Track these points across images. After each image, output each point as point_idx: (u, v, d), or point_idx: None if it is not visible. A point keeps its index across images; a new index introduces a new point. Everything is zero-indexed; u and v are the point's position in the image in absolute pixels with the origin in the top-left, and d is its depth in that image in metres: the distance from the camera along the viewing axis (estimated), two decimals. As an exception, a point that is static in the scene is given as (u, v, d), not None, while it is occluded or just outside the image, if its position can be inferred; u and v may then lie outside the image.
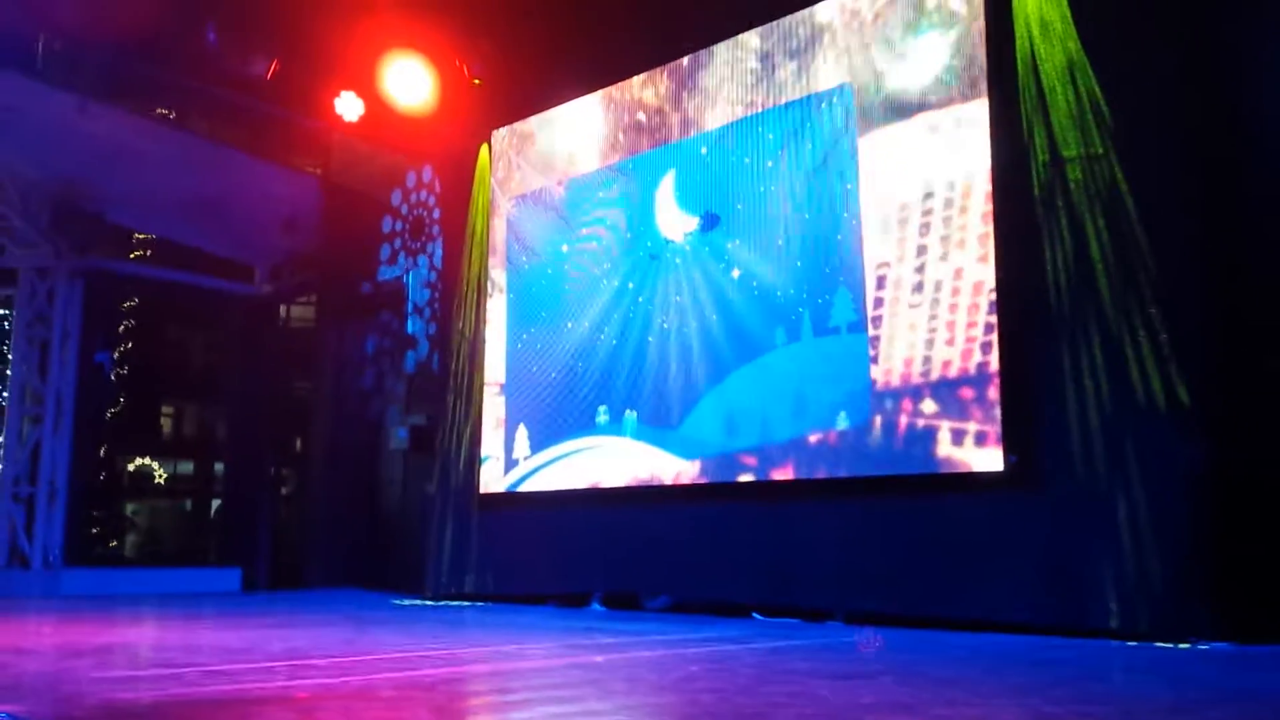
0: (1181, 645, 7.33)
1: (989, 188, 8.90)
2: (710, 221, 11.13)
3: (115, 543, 22.04)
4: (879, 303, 9.54)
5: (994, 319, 8.74)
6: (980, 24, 9.17)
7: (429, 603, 13.12)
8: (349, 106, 14.06)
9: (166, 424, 25.61)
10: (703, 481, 10.82)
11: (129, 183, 16.53)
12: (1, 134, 15.07)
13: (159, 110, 19.10)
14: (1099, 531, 7.94)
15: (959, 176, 9.10)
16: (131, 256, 21.09)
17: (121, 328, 21.79)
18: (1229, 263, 7.75)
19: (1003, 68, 8.90)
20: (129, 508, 24.02)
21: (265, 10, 13.72)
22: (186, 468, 25.43)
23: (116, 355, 21.42)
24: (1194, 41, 8.03)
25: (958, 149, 9.13)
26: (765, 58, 10.90)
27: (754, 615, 10.02)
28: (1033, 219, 8.54)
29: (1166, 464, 7.66)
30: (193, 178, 16.39)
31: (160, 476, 24.69)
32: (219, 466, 23.90)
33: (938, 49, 9.41)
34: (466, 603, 12.86)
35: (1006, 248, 8.75)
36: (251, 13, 13.88)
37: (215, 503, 24.26)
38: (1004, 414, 8.59)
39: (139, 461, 24.24)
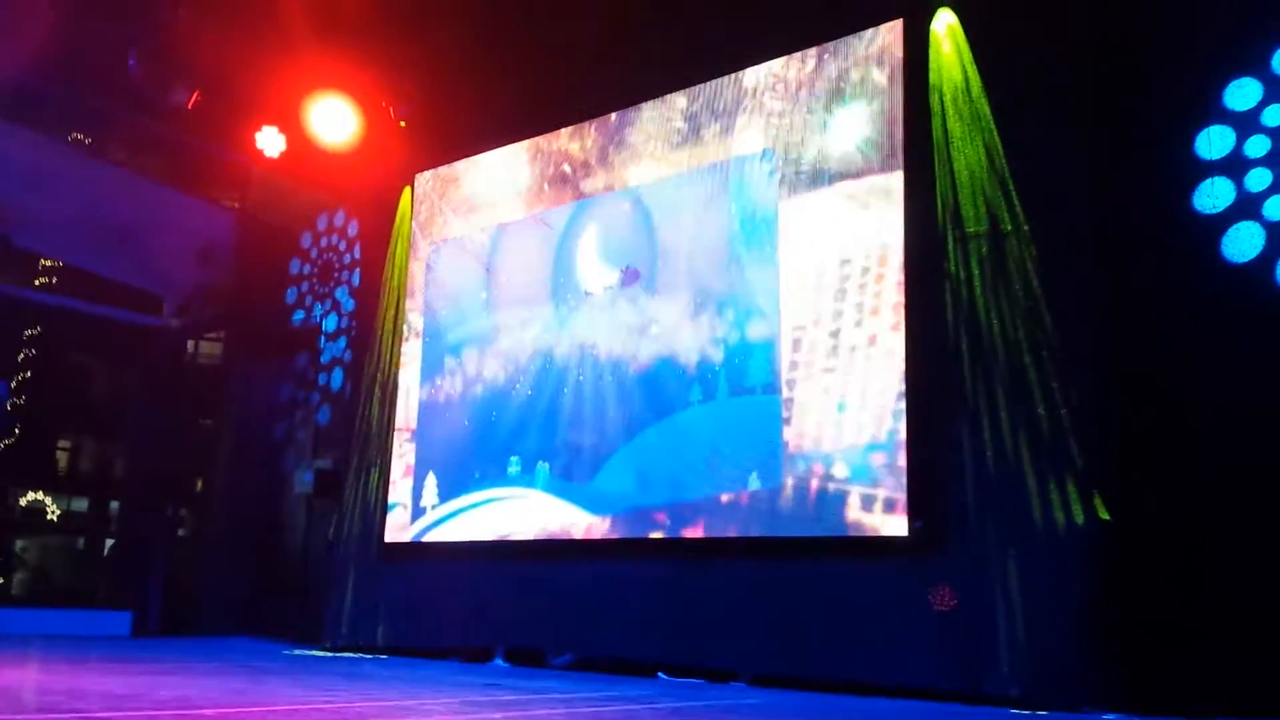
0: (1079, 715, 7.43)
1: (903, 258, 9.09)
2: (630, 277, 11.18)
3: (2, 580, 21.16)
4: (794, 365, 9.63)
5: (904, 387, 8.88)
6: (900, 98, 9.41)
7: (328, 654, 12.77)
8: (270, 142, 13.90)
9: (63, 458, 24.74)
10: (613, 537, 10.75)
11: (37, 207, 16.07)
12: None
13: (73, 135, 18.69)
14: (998, 599, 8.07)
15: (875, 245, 9.27)
16: (36, 283, 20.48)
17: (21, 356, 21.09)
18: (1126, 337, 8.00)
19: (917, 142, 9.16)
20: (19, 544, 23.10)
21: (188, 41, 13.53)
22: (81, 504, 24.56)
23: (14, 384, 20.70)
24: (1104, 122, 8.34)
25: (875, 219, 9.32)
26: (691, 118, 11.04)
27: (659, 675, 9.94)
28: (941, 291, 8.76)
29: (1066, 533, 7.83)
30: (105, 206, 16.01)
31: (53, 513, 23.81)
32: (115, 504, 23.15)
33: (859, 120, 9.63)
34: (366, 655, 12.55)
35: (916, 318, 8.94)
36: (175, 42, 13.68)
37: (109, 542, 23.46)
38: (909, 480, 8.70)
39: (31, 496, 23.37)
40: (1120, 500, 7.69)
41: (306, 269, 16.09)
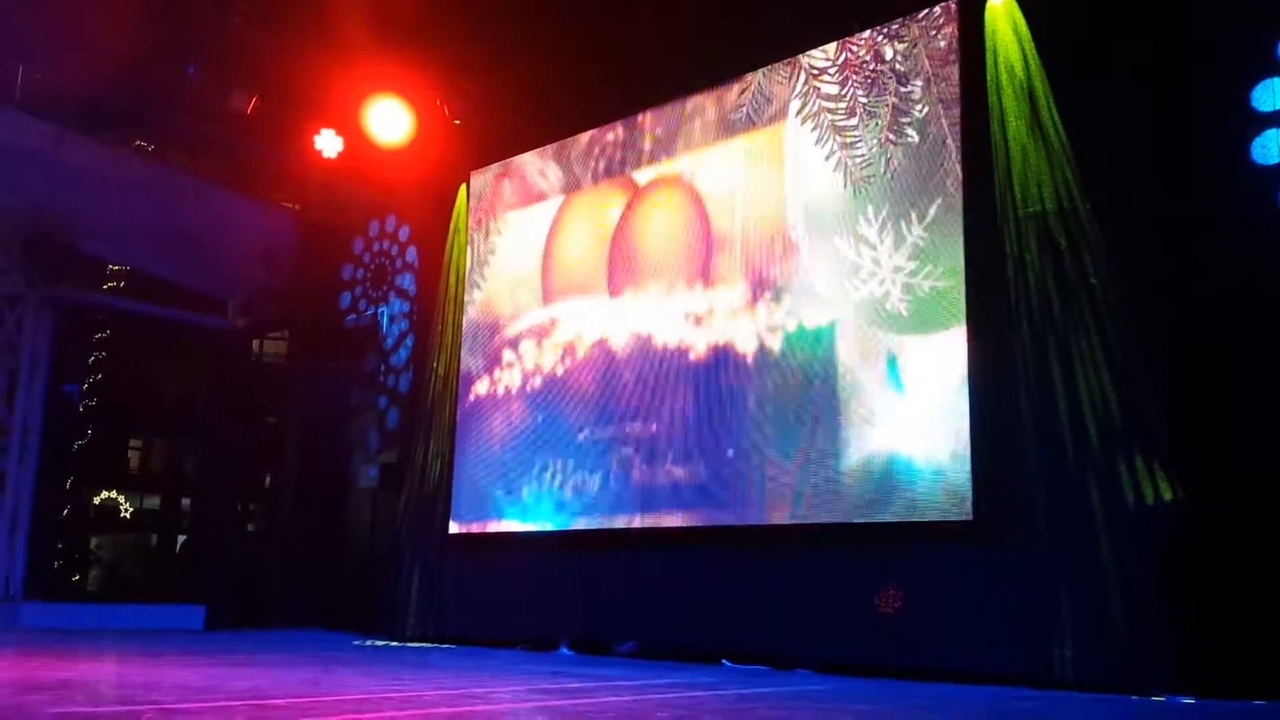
0: (1145, 698, 7.34)
1: (962, 239, 9.01)
2: (686, 276, 11.17)
3: (78, 576, 21.72)
4: (854, 350, 9.55)
5: (967, 370, 8.80)
6: (956, 78, 9.32)
7: (395, 644, 12.97)
8: (328, 143, 14.14)
9: (134, 457, 25.32)
10: (675, 526, 10.78)
11: (104, 214, 16.47)
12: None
13: (137, 143, 19.11)
14: (1064, 582, 7.97)
15: (934, 227, 9.17)
16: (104, 288, 20.97)
17: (92, 359, 21.62)
18: (1187, 302, 7.90)
19: (974, 121, 9.05)
20: (93, 541, 23.69)
21: (246, 47, 13.80)
22: (153, 502, 25.12)
23: (86, 387, 21.24)
24: (1160, 85, 8.23)
25: (933, 201, 9.23)
26: (745, 105, 10.97)
27: (723, 662, 9.96)
28: (1002, 272, 8.65)
29: (1132, 516, 7.71)
30: (169, 211, 16.36)
31: (126, 510, 24.40)
32: (186, 501, 23.66)
33: (915, 101, 9.52)
34: (433, 645, 12.72)
35: (977, 300, 8.85)
36: (233, 49, 13.95)
37: (181, 538, 23.98)
38: (973, 464, 8.62)
39: (105, 495, 23.96)
40: (1187, 480, 7.56)
41: (359, 273, 16.33)
